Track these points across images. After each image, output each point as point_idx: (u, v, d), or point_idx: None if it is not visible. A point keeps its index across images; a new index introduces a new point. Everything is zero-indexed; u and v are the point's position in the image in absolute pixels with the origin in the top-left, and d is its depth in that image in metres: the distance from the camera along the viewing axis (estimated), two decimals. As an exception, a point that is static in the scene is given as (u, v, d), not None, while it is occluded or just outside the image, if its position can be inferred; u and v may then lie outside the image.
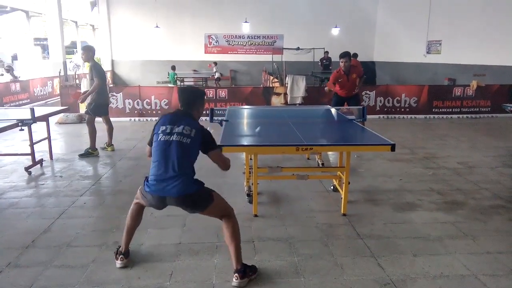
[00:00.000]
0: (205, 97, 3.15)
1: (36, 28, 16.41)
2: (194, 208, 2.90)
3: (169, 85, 14.15)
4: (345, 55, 6.66)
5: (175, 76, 15.49)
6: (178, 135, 2.81)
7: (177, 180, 2.76)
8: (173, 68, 15.51)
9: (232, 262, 2.88)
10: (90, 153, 6.35)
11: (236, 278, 2.82)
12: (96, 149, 6.45)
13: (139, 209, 3.09)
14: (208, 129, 3.75)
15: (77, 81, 11.41)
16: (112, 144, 6.76)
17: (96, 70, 6.24)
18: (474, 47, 12.41)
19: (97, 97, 6.32)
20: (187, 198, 2.81)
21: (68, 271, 3.01)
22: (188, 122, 2.88)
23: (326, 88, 6.76)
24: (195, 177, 2.89)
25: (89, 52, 6.29)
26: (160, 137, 2.85)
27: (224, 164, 3.08)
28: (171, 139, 2.81)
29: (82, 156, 6.31)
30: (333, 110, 5.92)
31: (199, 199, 2.85)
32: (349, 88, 6.76)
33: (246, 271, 2.86)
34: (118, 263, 3.09)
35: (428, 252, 3.31)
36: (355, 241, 3.51)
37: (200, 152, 2.93)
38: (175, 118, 2.92)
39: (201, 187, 2.88)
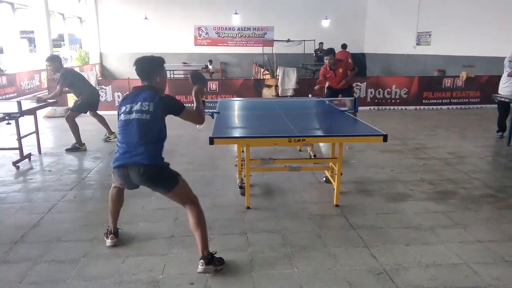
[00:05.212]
0: (163, 64, 2.97)
1: (22, 20, 16.05)
2: (158, 184, 2.84)
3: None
4: (328, 52, 6.83)
5: None
6: (137, 113, 2.77)
7: (139, 149, 2.75)
8: None
9: (198, 249, 2.89)
10: (77, 148, 6.24)
11: (201, 264, 2.84)
12: (84, 144, 6.32)
13: (118, 192, 3.20)
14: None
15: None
16: (114, 132, 6.50)
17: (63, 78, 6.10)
18: (463, 38, 12.45)
19: (85, 96, 6.31)
20: (150, 169, 2.77)
21: (59, 266, 2.96)
22: (145, 97, 2.80)
23: (316, 87, 6.85)
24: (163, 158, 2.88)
25: (55, 62, 6.17)
26: (121, 117, 2.83)
27: (198, 118, 3.07)
28: (131, 117, 2.78)
29: (68, 150, 6.20)
30: (325, 102, 5.91)
31: (163, 174, 2.84)
32: (338, 81, 6.89)
33: (212, 260, 2.87)
34: (109, 242, 3.21)
35: (420, 241, 3.33)
36: (348, 232, 3.52)
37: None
38: (133, 95, 2.85)
39: (165, 164, 2.87)
